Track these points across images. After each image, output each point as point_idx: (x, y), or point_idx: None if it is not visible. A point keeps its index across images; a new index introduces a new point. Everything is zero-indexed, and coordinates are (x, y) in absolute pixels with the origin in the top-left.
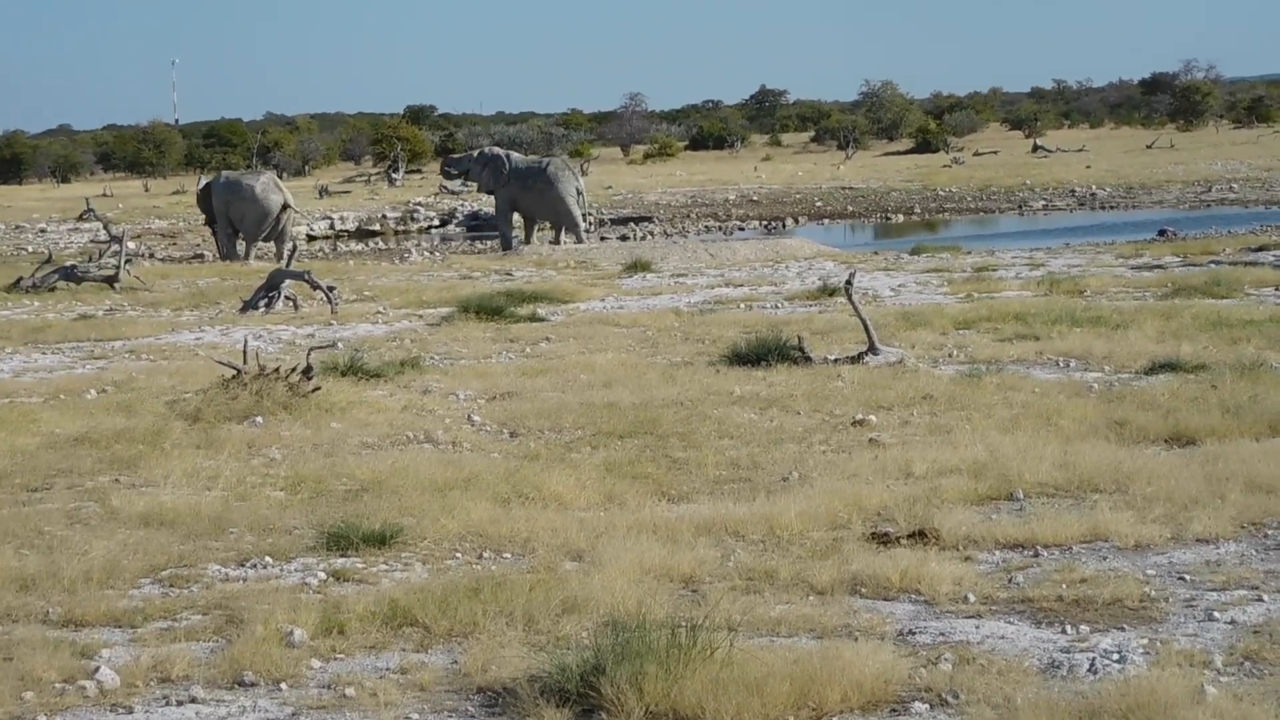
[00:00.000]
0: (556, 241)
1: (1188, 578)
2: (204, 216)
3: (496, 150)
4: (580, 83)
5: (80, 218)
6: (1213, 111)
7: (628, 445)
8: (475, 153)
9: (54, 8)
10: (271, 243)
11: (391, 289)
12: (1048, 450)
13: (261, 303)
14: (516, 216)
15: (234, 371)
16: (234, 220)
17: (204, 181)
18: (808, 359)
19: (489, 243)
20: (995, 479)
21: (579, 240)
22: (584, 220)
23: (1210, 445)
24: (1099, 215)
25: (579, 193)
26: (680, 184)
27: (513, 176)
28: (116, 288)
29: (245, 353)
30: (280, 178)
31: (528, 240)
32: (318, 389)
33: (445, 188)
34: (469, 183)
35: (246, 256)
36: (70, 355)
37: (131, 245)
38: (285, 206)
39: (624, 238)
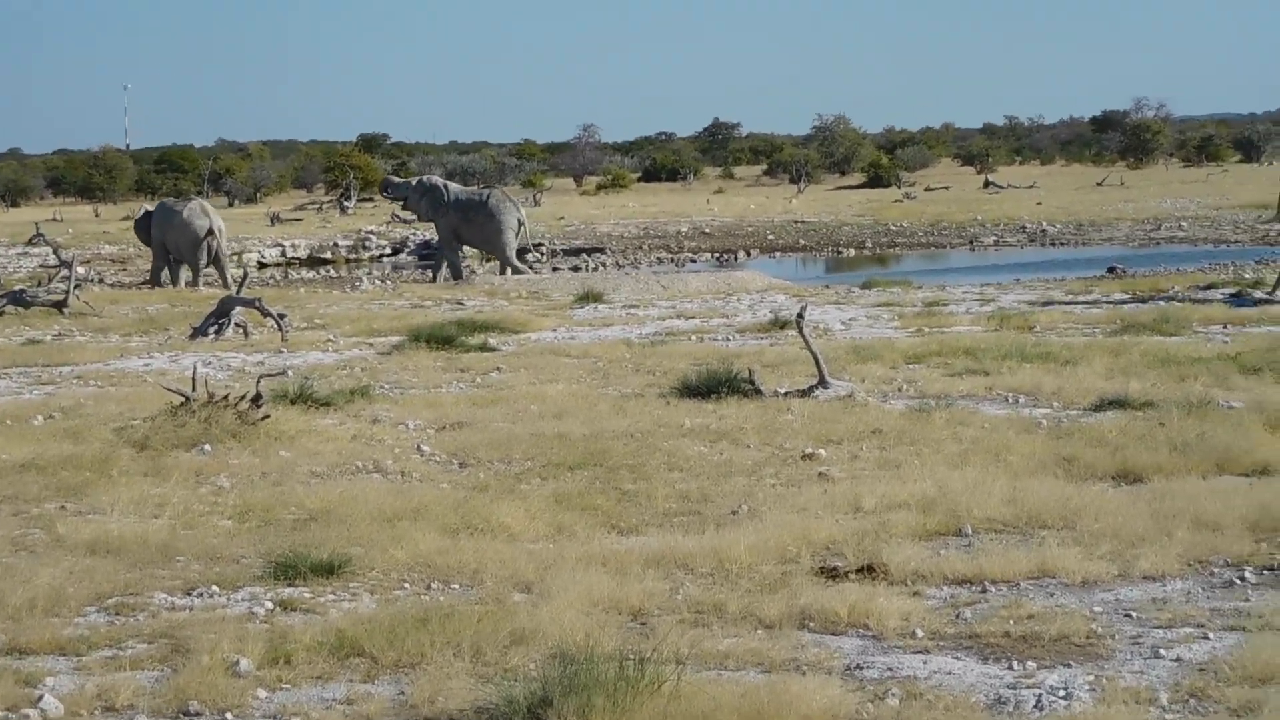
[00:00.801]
0: (502, 273)
1: (1134, 615)
2: (145, 244)
3: (435, 179)
4: (534, 113)
5: (29, 242)
6: (1163, 150)
7: (578, 477)
8: (414, 181)
9: (5, 30)
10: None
11: (342, 317)
12: (996, 486)
13: (211, 329)
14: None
15: (183, 399)
16: (169, 247)
17: (143, 209)
18: (758, 392)
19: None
20: (944, 514)
21: (515, 274)
22: (529, 251)
23: (1158, 482)
24: (1049, 251)
25: (520, 224)
26: (633, 215)
27: (453, 207)
28: (65, 313)
29: (194, 380)
30: (231, 204)
31: (436, 272)
32: (267, 417)
33: (397, 216)
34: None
35: (195, 283)
36: (18, 380)
37: (81, 270)
38: (210, 231)
39: (576, 268)
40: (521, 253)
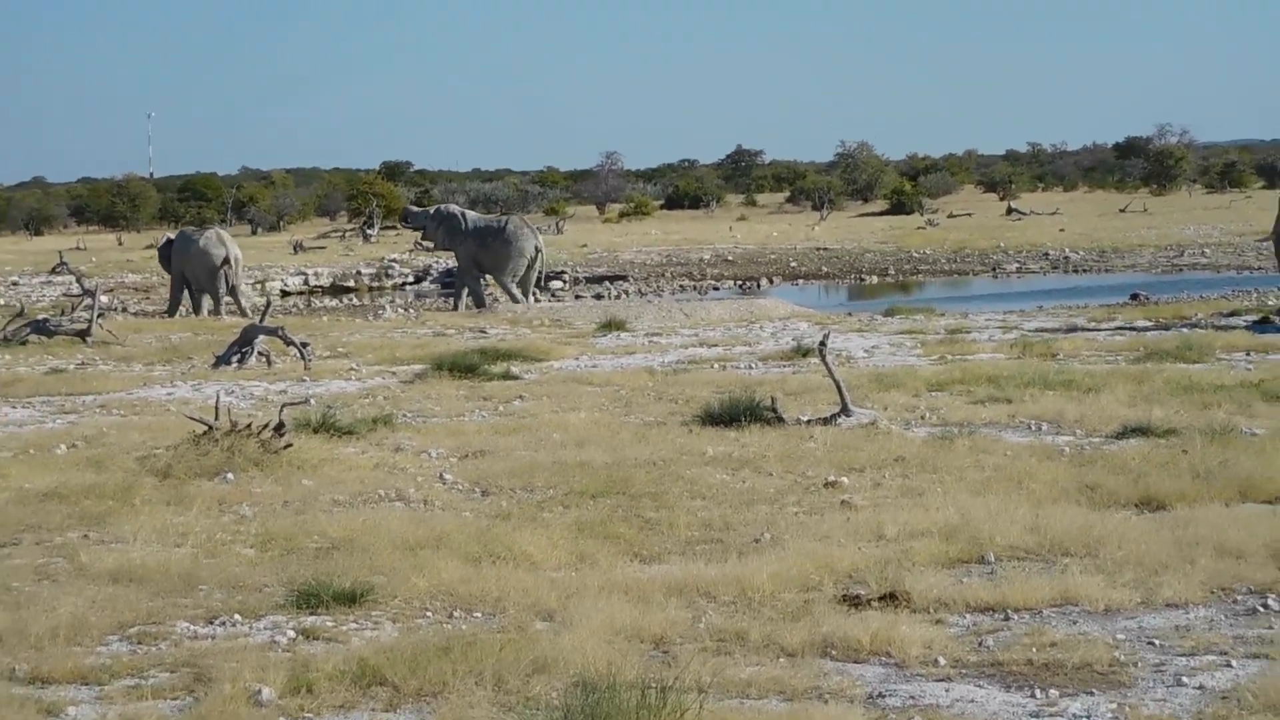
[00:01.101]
0: (516, 300)
1: (1157, 642)
2: (167, 272)
3: (453, 208)
4: (557, 140)
5: (53, 271)
6: (1186, 176)
7: (600, 505)
8: (432, 209)
9: (29, 59)
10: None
11: (365, 345)
12: (1019, 513)
13: (234, 358)
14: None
15: (206, 427)
16: (187, 276)
17: (166, 238)
18: (780, 420)
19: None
20: (966, 542)
21: (514, 302)
22: (554, 278)
23: (1180, 510)
24: (1072, 278)
25: (538, 250)
26: (655, 243)
27: (471, 235)
28: (89, 341)
29: (217, 408)
30: (254, 232)
31: (458, 300)
32: (290, 445)
33: (420, 244)
34: (425, 239)
35: (217, 311)
36: (41, 409)
37: (104, 299)
38: (226, 260)
39: (599, 296)
40: (544, 279)
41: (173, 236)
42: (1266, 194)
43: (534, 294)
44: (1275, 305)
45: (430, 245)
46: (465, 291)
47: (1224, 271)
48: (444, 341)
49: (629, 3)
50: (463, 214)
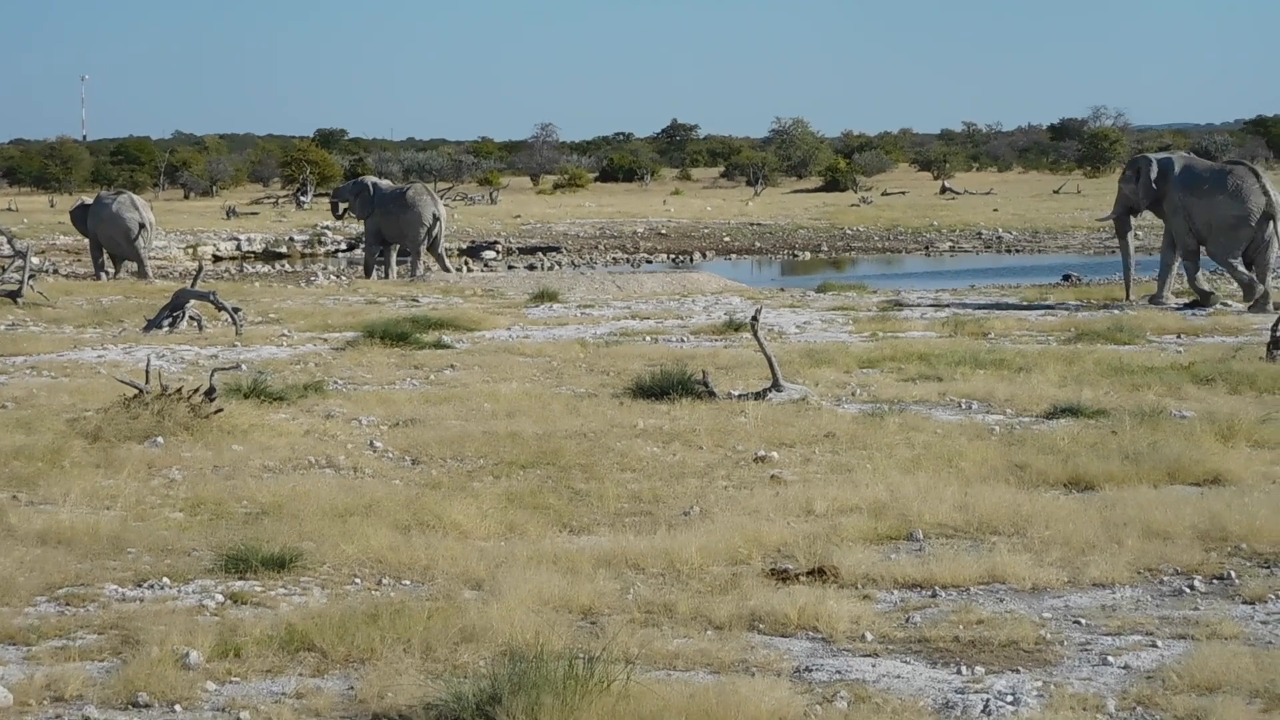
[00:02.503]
0: (412, 270)
1: (1083, 622)
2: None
3: (366, 179)
4: (492, 111)
5: None
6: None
7: (530, 476)
8: (350, 183)
9: None
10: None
11: (297, 312)
12: (948, 491)
13: (165, 322)
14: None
15: (136, 391)
16: (101, 240)
17: (80, 202)
18: (711, 394)
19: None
20: (895, 519)
21: (412, 273)
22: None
23: (1109, 491)
24: (1005, 258)
25: (435, 219)
26: (589, 215)
27: (378, 203)
28: (19, 303)
29: (148, 372)
30: (187, 197)
31: (387, 269)
32: (220, 410)
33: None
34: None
35: (142, 275)
36: None
37: (36, 261)
38: (142, 225)
39: (531, 267)
40: (435, 247)
41: (88, 202)
42: None
43: (445, 261)
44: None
45: (356, 215)
46: (393, 260)
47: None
48: (376, 309)
49: None
50: (374, 184)
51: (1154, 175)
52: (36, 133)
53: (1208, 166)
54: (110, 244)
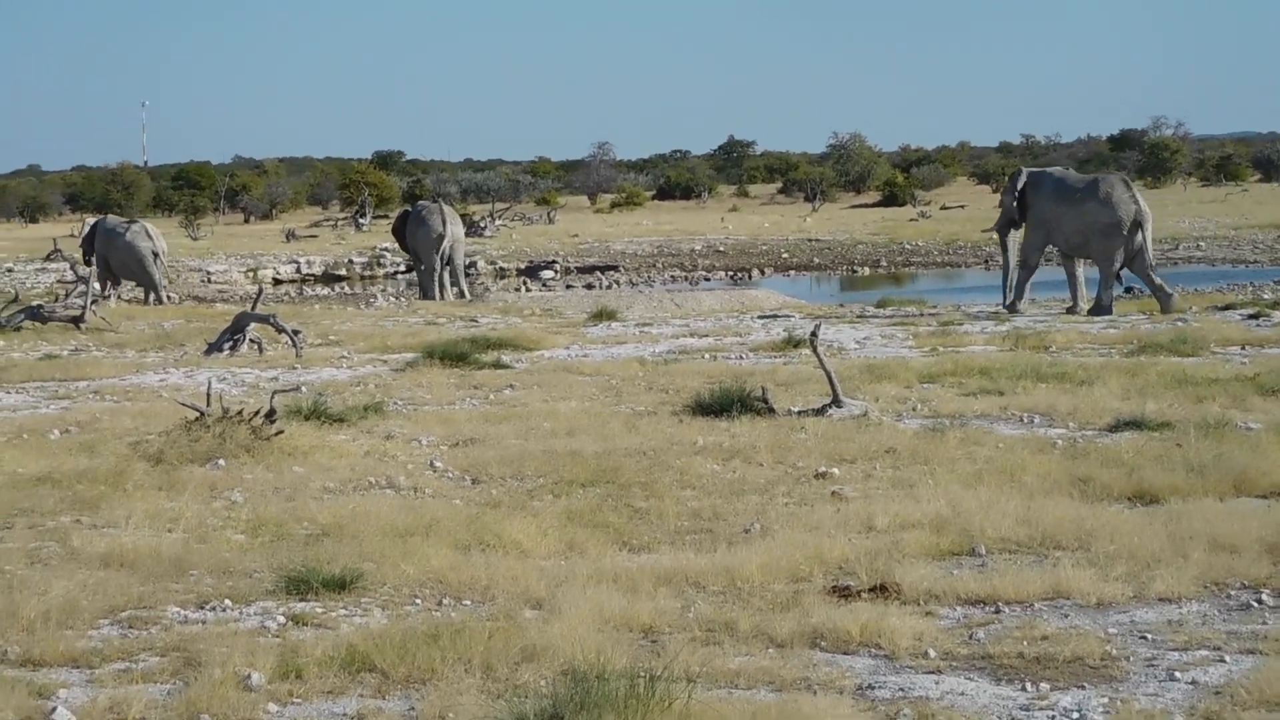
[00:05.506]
0: (434, 293)
1: (1149, 637)
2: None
3: (421, 203)
4: (549, 131)
5: (47, 258)
6: (1181, 169)
7: (589, 494)
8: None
9: (24, 47)
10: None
11: (356, 334)
12: (1010, 506)
13: (226, 345)
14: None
15: (197, 413)
16: (113, 265)
17: (88, 226)
18: (771, 410)
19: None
20: (957, 534)
21: (422, 292)
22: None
23: (1174, 504)
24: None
25: (440, 237)
26: (647, 233)
27: (410, 223)
28: (82, 328)
29: (209, 395)
30: (247, 220)
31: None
32: (280, 432)
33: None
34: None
35: (158, 299)
36: (34, 395)
37: (98, 286)
38: (155, 254)
39: (589, 286)
40: (450, 264)
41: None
42: (1262, 187)
43: (461, 282)
44: (1271, 299)
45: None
46: (447, 280)
47: (1219, 265)
48: (435, 330)
49: None
50: (422, 207)
51: (1020, 185)
52: (98, 159)
53: (1079, 178)
54: (123, 270)
